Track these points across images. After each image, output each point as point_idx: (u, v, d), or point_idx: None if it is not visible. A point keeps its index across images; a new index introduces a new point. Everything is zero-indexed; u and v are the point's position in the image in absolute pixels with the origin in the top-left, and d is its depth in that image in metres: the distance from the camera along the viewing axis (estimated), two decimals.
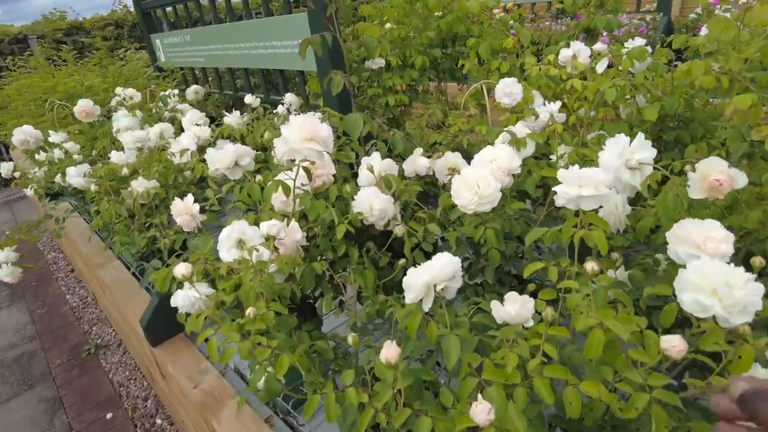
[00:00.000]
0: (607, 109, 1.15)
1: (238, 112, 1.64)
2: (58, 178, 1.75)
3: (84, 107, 1.86)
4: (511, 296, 0.62)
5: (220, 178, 1.28)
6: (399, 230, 0.95)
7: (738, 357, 0.54)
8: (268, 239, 0.80)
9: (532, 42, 1.55)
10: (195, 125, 1.61)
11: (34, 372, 2.51)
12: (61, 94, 2.53)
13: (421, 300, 0.66)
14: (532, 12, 3.29)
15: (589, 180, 0.62)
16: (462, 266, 0.72)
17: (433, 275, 0.64)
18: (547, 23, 3.21)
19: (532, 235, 0.72)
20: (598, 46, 1.32)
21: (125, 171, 1.45)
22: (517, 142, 0.99)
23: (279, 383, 0.69)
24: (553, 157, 1.05)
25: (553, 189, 0.66)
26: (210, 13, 2.49)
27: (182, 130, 1.63)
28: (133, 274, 1.90)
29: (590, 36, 1.69)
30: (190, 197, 1.08)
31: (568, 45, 1.30)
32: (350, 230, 0.90)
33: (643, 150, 0.73)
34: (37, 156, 1.90)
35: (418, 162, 1.07)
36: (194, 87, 2.51)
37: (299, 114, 1.63)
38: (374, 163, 1.00)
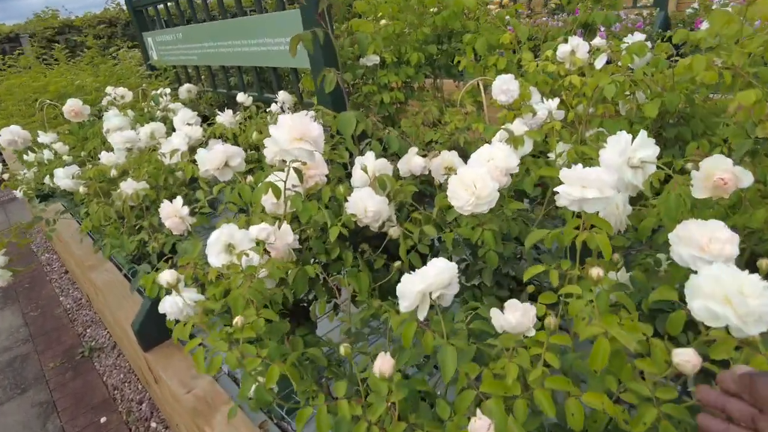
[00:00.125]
0: (606, 105, 1.13)
1: (230, 111, 1.61)
2: (47, 180, 1.72)
3: (73, 107, 1.82)
4: (512, 304, 0.59)
5: (212, 179, 1.25)
6: (394, 232, 0.92)
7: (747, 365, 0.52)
8: (259, 243, 0.77)
9: (529, 38, 1.52)
10: (186, 125, 1.58)
11: (27, 375, 2.48)
12: (52, 93, 2.49)
13: (416, 308, 0.64)
14: (528, 8, 3.27)
15: (593, 181, 0.59)
16: (459, 268, 0.69)
17: (429, 283, 0.61)
18: (544, 19, 3.18)
19: (532, 237, 0.69)
20: (597, 41, 1.30)
21: (114, 172, 1.41)
22: (514, 140, 0.96)
23: (270, 393, 0.67)
24: (552, 155, 1.03)
25: (554, 189, 0.64)
26: (202, 10, 2.46)
27: (174, 130, 1.60)
28: (125, 275, 1.87)
29: (588, 31, 1.67)
30: (178, 199, 1.05)
31: (565, 40, 1.28)
32: (344, 233, 0.87)
33: (645, 148, 0.70)
34: (25, 157, 1.87)
35: (413, 161, 1.04)
36: (187, 86, 2.47)
37: (293, 112, 1.60)
38: (368, 163, 0.97)
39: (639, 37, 1.18)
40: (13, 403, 2.29)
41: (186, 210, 1.05)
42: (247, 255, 0.78)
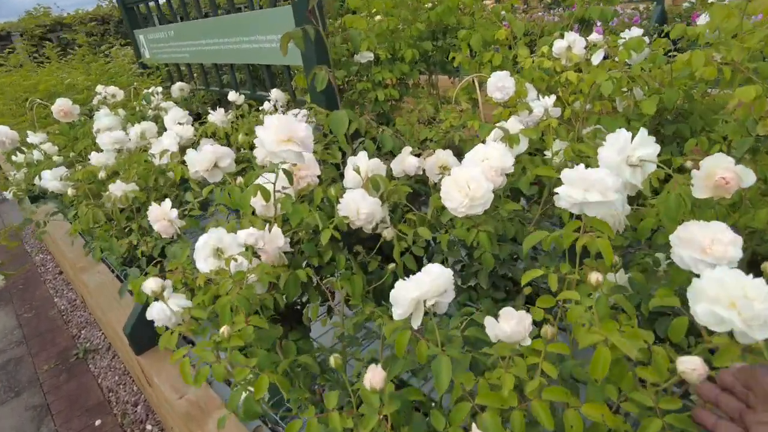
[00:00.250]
0: (603, 102, 1.10)
1: (222, 110, 1.58)
2: (37, 181, 1.69)
3: (62, 107, 1.79)
4: (507, 312, 0.57)
5: (203, 180, 1.23)
6: (388, 234, 0.90)
7: None
8: (248, 248, 0.75)
9: (525, 33, 1.50)
10: (177, 124, 1.55)
11: (20, 378, 2.45)
12: (42, 92, 2.45)
13: (410, 315, 0.61)
14: (524, 3, 3.24)
15: (596, 183, 0.57)
16: (454, 269, 0.67)
17: (423, 291, 0.59)
18: (539, 14, 3.16)
19: (530, 240, 0.67)
20: (593, 36, 1.28)
21: (103, 174, 1.38)
22: (510, 139, 0.94)
23: (259, 404, 0.65)
24: (548, 153, 1.01)
25: (554, 190, 0.62)
26: (194, 7, 2.42)
27: (166, 129, 1.57)
28: (118, 277, 1.85)
29: (584, 26, 1.65)
30: (167, 202, 1.03)
31: (562, 36, 1.25)
32: (336, 235, 0.85)
33: (645, 146, 0.68)
34: (14, 158, 1.83)
35: (407, 161, 1.02)
36: (179, 84, 2.44)
37: (286, 110, 1.58)
38: (361, 163, 0.95)
39: (636, 32, 1.16)
40: (6, 407, 2.26)
41: (175, 213, 1.03)
42: (236, 260, 0.76)
